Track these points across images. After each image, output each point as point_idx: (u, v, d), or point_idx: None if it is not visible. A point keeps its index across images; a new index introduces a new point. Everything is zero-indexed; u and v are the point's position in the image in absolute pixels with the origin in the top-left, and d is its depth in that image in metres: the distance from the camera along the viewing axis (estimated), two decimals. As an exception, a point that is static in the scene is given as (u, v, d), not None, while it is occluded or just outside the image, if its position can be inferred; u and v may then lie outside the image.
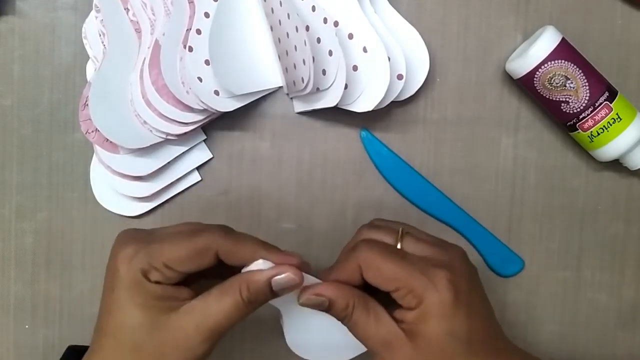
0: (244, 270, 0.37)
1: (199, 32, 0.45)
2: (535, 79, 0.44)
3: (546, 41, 0.44)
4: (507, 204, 0.50)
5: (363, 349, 0.38)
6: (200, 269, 0.36)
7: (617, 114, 0.45)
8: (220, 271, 0.37)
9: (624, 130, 0.45)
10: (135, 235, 0.37)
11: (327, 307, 0.37)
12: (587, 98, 0.44)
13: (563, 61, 0.44)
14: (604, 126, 0.45)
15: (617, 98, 0.45)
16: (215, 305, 0.35)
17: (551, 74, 0.43)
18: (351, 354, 0.41)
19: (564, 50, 0.44)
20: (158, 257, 0.35)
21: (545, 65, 0.44)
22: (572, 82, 0.44)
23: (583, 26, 0.49)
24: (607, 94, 0.45)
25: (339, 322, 0.37)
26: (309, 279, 0.38)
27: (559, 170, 0.50)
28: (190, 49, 0.44)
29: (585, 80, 0.44)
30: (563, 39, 0.45)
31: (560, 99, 0.45)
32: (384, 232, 0.39)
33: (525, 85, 0.46)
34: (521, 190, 0.50)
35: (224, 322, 0.35)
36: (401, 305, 0.36)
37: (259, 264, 0.36)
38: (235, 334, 0.51)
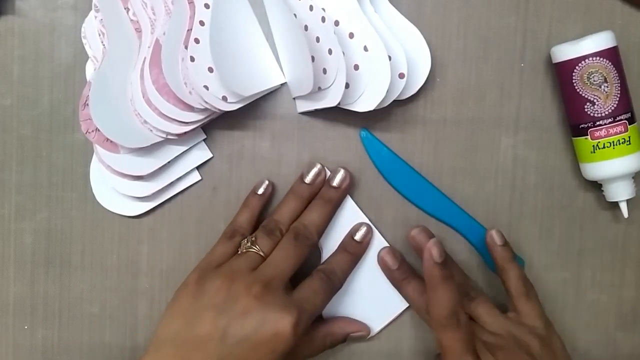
0: None
1: (197, 41, 0.44)
2: (577, 67, 0.45)
3: (604, 38, 0.45)
4: (507, 204, 0.50)
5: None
6: None
7: (629, 137, 0.46)
8: None
9: (628, 154, 0.46)
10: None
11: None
12: (612, 108, 0.45)
13: (610, 63, 0.45)
14: (613, 142, 0.45)
15: (634, 124, 0.46)
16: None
17: (594, 69, 0.44)
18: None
19: (614, 56, 0.45)
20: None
21: (594, 58, 0.45)
22: (607, 86, 0.45)
23: (583, 26, 0.49)
24: (629, 115, 0.46)
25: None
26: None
27: (559, 170, 0.50)
28: (192, 59, 0.44)
29: (618, 92, 0.45)
30: (616, 47, 0.46)
31: (589, 98, 0.45)
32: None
33: (562, 72, 0.46)
34: (521, 190, 0.50)
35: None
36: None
37: None
38: None
